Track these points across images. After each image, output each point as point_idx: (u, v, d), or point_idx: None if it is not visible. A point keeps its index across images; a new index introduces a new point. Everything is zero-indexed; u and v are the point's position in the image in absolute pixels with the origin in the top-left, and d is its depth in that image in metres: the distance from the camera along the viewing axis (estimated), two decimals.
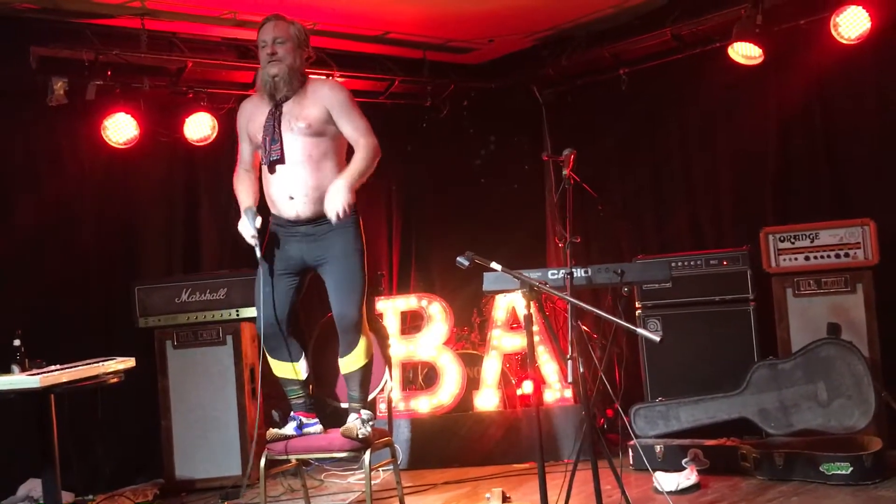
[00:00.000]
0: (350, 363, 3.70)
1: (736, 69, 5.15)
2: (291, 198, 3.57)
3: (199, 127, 5.28)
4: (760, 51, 4.98)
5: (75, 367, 3.53)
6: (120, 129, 4.98)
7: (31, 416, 3.60)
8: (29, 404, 3.56)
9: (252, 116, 3.70)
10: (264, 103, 3.64)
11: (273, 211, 3.69)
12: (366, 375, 3.74)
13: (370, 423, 3.68)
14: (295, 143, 3.55)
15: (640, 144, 5.93)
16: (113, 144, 5.01)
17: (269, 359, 3.76)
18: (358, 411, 3.71)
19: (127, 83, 4.99)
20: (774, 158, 5.30)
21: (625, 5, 5.28)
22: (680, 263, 4.85)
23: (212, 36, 5.23)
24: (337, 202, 3.45)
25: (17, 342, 3.50)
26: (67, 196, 5.11)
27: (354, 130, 3.61)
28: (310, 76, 3.71)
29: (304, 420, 3.81)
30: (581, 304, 3.15)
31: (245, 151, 3.79)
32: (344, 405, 3.86)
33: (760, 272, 4.81)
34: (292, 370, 3.72)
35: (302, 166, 3.53)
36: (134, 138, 5.02)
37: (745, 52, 5.03)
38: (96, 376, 3.57)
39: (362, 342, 3.67)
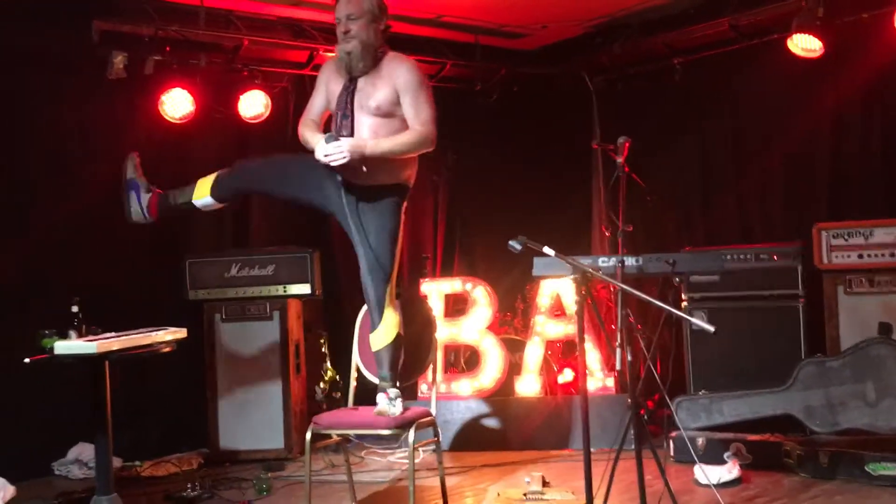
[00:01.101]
0: (377, 339, 3.70)
1: (793, 62, 5.04)
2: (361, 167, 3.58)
3: (253, 104, 5.32)
4: (820, 43, 4.86)
5: (130, 334, 3.57)
6: (177, 104, 5.03)
7: (82, 381, 3.66)
8: (81, 370, 3.62)
9: (331, 80, 3.69)
10: (340, 72, 3.63)
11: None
12: (393, 353, 3.71)
13: (398, 400, 3.66)
14: (365, 121, 3.56)
15: (690, 135, 5.86)
16: (169, 119, 5.06)
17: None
18: (385, 391, 3.69)
19: (184, 59, 5.04)
20: (830, 154, 5.20)
21: None
22: (729, 256, 4.76)
23: (268, 15, 5.25)
24: (333, 150, 3.41)
25: (74, 308, 3.56)
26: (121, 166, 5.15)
27: (415, 116, 3.56)
28: (389, 51, 3.66)
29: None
30: (635, 291, 3.11)
31: (316, 105, 3.78)
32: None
33: (811, 268, 4.72)
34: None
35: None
36: (190, 114, 5.06)
37: (804, 45, 4.92)
38: (150, 345, 3.61)
39: (387, 319, 3.65)
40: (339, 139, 3.47)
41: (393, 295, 3.69)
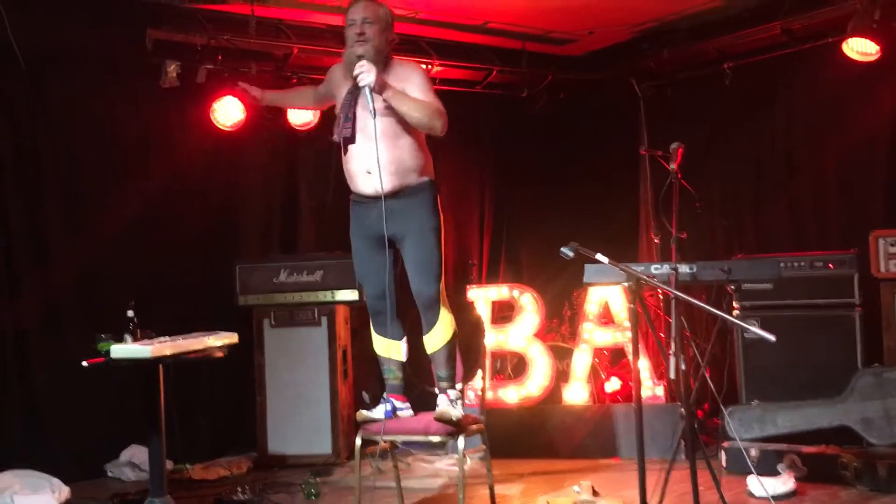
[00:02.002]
0: (434, 341, 3.67)
1: (849, 66, 4.93)
2: (369, 172, 3.55)
3: (302, 112, 5.34)
4: (877, 47, 4.74)
5: (183, 338, 3.60)
6: (228, 112, 5.07)
7: (136, 384, 3.71)
8: (134, 373, 3.66)
9: (338, 84, 3.71)
10: (347, 76, 3.63)
11: (352, 188, 3.69)
12: (451, 352, 3.69)
13: (459, 402, 3.64)
14: (370, 123, 3.53)
15: (740, 141, 5.75)
16: (220, 127, 5.10)
17: (374, 335, 3.76)
18: (446, 391, 3.67)
19: (235, 68, 5.08)
20: (886, 160, 5.07)
21: None
22: (783, 264, 4.66)
23: (316, 23, 5.28)
24: (365, 68, 3.43)
25: (130, 313, 3.60)
26: (175, 175, 5.23)
27: (425, 97, 3.58)
28: (394, 57, 3.68)
29: (397, 403, 3.81)
30: (692, 300, 3.05)
31: (320, 89, 3.86)
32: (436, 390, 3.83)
33: (868, 277, 4.60)
34: (395, 349, 3.72)
35: (379, 142, 3.51)
36: (240, 122, 5.11)
37: (860, 49, 4.81)
38: (203, 349, 3.64)
39: (444, 317, 3.63)
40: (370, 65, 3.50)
41: (445, 294, 3.68)
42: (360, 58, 3.51)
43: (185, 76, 4.90)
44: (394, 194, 3.55)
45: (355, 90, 3.53)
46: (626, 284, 3.19)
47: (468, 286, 5.58)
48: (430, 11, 5.18)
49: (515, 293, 5.36)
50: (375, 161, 3.48)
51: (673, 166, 3.62)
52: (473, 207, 6.38)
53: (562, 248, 3.26)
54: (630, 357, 4.96)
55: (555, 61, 6.08)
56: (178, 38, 4.88)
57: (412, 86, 3.54)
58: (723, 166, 5.81)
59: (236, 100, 5.06)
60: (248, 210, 5.59)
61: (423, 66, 3.73)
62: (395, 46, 3.68)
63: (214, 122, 5.09)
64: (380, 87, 3.43)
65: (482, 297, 5.42)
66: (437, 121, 3.50)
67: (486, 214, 6.42)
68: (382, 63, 3.57)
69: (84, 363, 3.39)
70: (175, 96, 5.04)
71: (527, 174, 6.44)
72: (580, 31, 5.65)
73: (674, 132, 5.30)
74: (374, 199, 3.56)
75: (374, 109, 3.41)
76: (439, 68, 5.52)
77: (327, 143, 5.40)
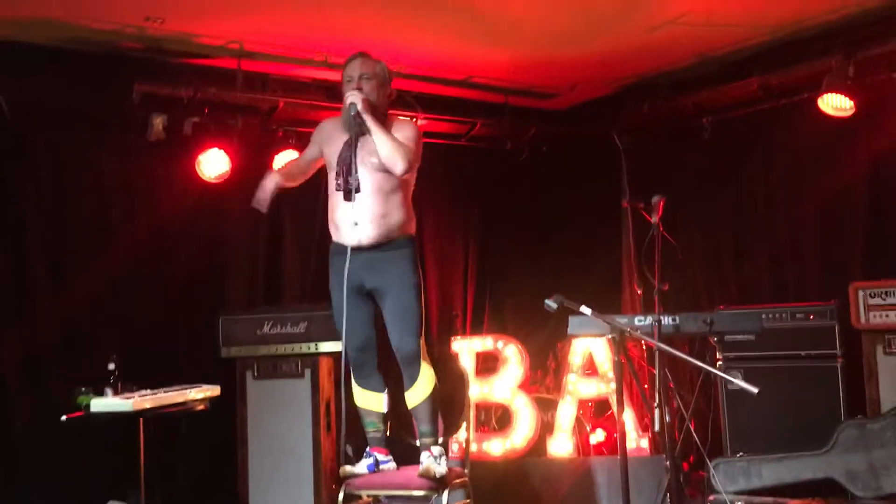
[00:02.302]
0: (416, 395, 3.66)
1: (825, 120, 5.03)
2: (356, 224, 3.59)
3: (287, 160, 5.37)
4: (851, 102, 4.85)
5: (165, 392, 3.57)
6: (213, 164, 5.10)
7: (116, 437, 3.65)
8: (115, 426, 3.61)
9: (330, 138, 3.76)
10: (343, 132, 3.69)
11: (335, 237, 3.72)
12: (433, 407, 3.69)
13: (443, 458, 3.62)
14: (368, 176, 3.60)
15: (721, 193, 5.83)
16: (205, 178, 5.12)
17: (356, 387, 3.75)
18: (429, 448, 3.65)
19: (221, 120, 5.13)
20: (864, 212, 5.14)
21: (710, 55, 5.23)
22: (765, 316, 4.69)
23: (302, 77, 5.34)
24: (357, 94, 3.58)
25: (111, 366, 3.57)
26: (160, 227, 5.22)
27: (404, 139, 3.67)
28: (391, 115, 3.74)
29: (380, 457, 3.78)
30: (676, 352, 3.06)
31: (308, 154, 3.87)
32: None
33: (849, 328, 4.63)
34: (376, 401, 3.70)
35: (372, 197, 3.58)
36: (225, 173, 5.13)
37: (835, 104, 4.91)
38: (184, 402, 3.61)
39: (425, 372, 3.64)
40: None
41: (425, 349, 3.67)
42: (352, 104, 3.59)
43: (171, 129, 4.94)
44: (376, 247, 3.58)
45: (353, 142, 3.60)
46: (609, 336, 3.20)
47: (452, 337, 5.56)
48: (416, 66, 5.27)
49: (500, 344, 5.36)
50: (364, 214, 3.52)
51: (655, 219, 3.67)
52: (458, 258, 6.40)
53: (546, 300, 3.27)
54: (615, 409, 4.94)
55: (538, 114, 6.16)
56: (165, 92, 4.92)
57: (400, 135, 3.63)
58: (704, 218, 5.87)
59: (221, 151, 5.09)
60: (232, 261, 5.57)
61: (416, 125, 3.83)
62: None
63: (200, 174, 5.11)
64: (368, 107, 3.52)
65: (466, 348, 5.40)
66: (401, 159, 3.59)
67: (470, 265, 6.43)
68: (379, 119, 3.63)
69: (63, 418, 3.34)
70: (161, 149, 5.06)
71: (511, 226, 6.48)
72: (562, 85, 5.75)
73: (655, 184, 5.40)
74: (356, 250, 3.58)
75: (358, 129, 3.54)
76: (424, 121, 5.59)
77: (312, 194, 5.51)
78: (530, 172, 6.39)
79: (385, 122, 3.65)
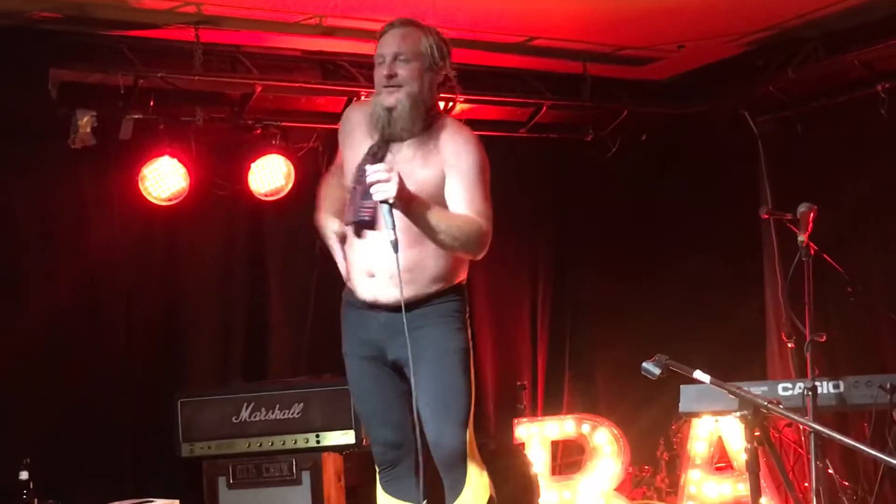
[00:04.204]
0: None
1: None
2: (372, 276, 3.58)
3: (270, 175, 5.47)
4: None
5: None
6: (163, 179, 5.20)
7: None
8: None
9: (352, 135, 3.70)
10: (370, 130, 3.63)
11: (347, 284, 3.73)
12: None
13: None
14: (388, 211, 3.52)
15: None
16: (153, 201, 5.23)
17: (382, 495, 3.76)
18: None
19: (174, 116, 5.23)
20: None
21: None
22: None
23: (288, 49, 5.44)
24: (379, 175, 3.33)
25: (24, 475, 3.65)
26: (92, 273, 5.33)
27: (468, 204, 3.53)
28: (443, 115, 3.70)
29: None
30: (836, 434, 3.04)
31: (338, 161, 3.87)
32: None
33: None
34: None
35: (399, 238, 3.46)
36: (182, 192, 5.23)
37: None
38: None
39: (473, 478, 3.63)
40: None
41: (474, 444, 3.69)
42: (389, 111, 3.54)
43: (103, 131, 5.04)
44: (399, 308, 3.57)
45: (378, 150, 3.55)
46: (740, 414, 3.19)
47: (517, 420, 5.57)
48: (450, 26, 5.27)
49: (585, 428, 5.38)
50: (382, 262, 3.50)
51: (803, 237, 3.67)
52: (522, 303, 6.43)
53: (644, 364, 3.28)
54: None
55: (630, 89, 6.19)
56: (94, 79, 5.05)
57: (452, 167, 3.54)
58: (886, 234, 5.82)
59: (175, 161, 5.18)
60: (195, 318, 5.66)
61: (480, 143, 3.65)
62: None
63: (145, 195, 5.21)
64: (404, 204, 3.39)
65: (537, 435, 5.43)
66: (474, 243, 3.47)
67: (540, 313, 6.46)
68: (422, 120, 3.58)
69: None
70: (89, 160, 5.18)
71: (598, 253, 6.49)
72: (664, 45, 5.76)
73: (810, 186, 5.37)
74: (372, 307, 3.61)
75: (396, 239, 3.38)
76: (465, 105, 5.64)
77: (307, 219, 5.57)
78: (623, 174, 6.42)
79: (430, 126, 3.57)
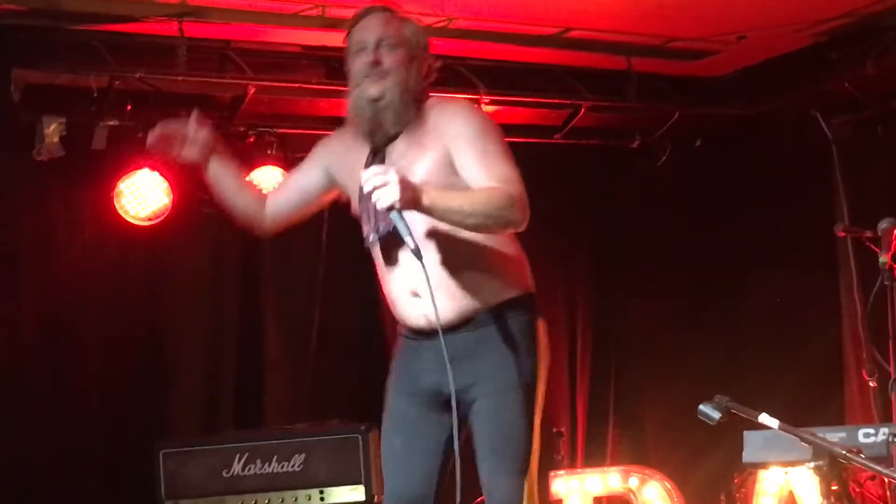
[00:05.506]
0: None
1: None
2: (416, 294, 3.59)
3: (265, 189, 5.47)
4: None
5: None
6: (142, 195, 5.23)
7: None
8: None
9: (342, 159, 3.75)
10: (358, 143, 3.68)
11: (395, 315, 3.74)
12: None
13: None
14: (421, 219, 3.55)
15: None
16: (131, 220, 5.26)
17: None
18: None
19: (154, 122, 5.23)
20: None
21: None
22: None
23: (285, 45, 5.48)
24: (376, 178, 3.31)
25: None
26: (59, 304, 5.36)
27: (488, 175, 3.55)
28: (430, 97, 3.75)
29: None
30: None
31: (294, 182, 3.90)
32: None
33: None
34: None
35: (427, 247, 3.51)
36: (163, 209, 5.26)
37: None
38: None
39: None
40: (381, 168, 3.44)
41: (535, 494, 3.68)
42: (374, 101, 3.58)
43: (73, 140, 5.09)
44: (454, 328, 3.58)
45: (375, 158, 3.58)
46: (813, 465, 3.17)
47: (553, 472, 5.58)
48: (473, 17, 5.32)
49: (634, 483, 5.39)
50: (421, 277, 3.50)
51: (885, 258, 3.66)
52: (559, 336, 6.43)
53: (700, 407, 3.27)
54: None
55: (682, 87, 6.20)
56: (63, 81, 5.10)
57: (453, 143, 3.58)
58: None
59: (156, 174, 5.21)
60: (179, 357, 5.69)
61: (474, 106, 3.69)
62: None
63: (121, 213, 5.24)
64: (414, 202, 3.38)
65: (577, 490, 5.45)
66: (509, 211, 3.44)
67: (580, 347, 6.47)
68: (413, 109, 3.63)
69: None
70: (58, 173, 5.22)
71: (645, 278, 6.50)
72: (722, 36, 5.77)
73: (890, 198, 5.35)
74: (425, 335, 3.61)
75: (417, 246, 3.39)
76: (491, 108, 5.66)
77: (308, 241, 5.59)
78: (674, 185, 6.43)
79: (420, 115, 3.63)
